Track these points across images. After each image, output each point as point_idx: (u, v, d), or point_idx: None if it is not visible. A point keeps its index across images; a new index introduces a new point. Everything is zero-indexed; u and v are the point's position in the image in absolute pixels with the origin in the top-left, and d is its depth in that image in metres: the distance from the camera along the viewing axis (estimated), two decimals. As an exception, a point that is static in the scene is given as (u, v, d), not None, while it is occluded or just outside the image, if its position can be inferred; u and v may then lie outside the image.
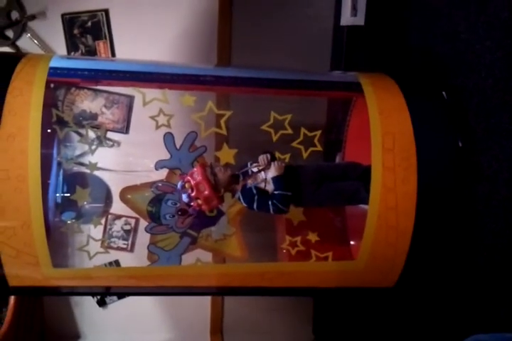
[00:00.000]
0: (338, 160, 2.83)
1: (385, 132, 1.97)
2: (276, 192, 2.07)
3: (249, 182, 2.15)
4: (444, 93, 2.12)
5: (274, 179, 2.10)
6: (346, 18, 2.93)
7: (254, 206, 2.09)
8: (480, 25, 1.94)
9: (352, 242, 2.60)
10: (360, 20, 2.90)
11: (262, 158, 2.14)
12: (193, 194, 2.06)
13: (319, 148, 2.28)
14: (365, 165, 2.14)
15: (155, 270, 2.19)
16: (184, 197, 2.11)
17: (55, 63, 2.09)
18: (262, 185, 2.13)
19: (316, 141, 2.28)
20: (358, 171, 2.18)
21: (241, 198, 2.13)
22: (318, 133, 2.28)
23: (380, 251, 1.97)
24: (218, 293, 2.79)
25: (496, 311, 1.83)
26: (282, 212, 2.13)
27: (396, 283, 2.08)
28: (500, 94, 1.79)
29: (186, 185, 2.07)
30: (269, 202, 2.06)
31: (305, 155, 2.28)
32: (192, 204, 2.10)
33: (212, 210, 2.25)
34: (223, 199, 2.16)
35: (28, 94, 1.86)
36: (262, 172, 2.13)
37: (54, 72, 2.05)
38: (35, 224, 1.80)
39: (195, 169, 2.11)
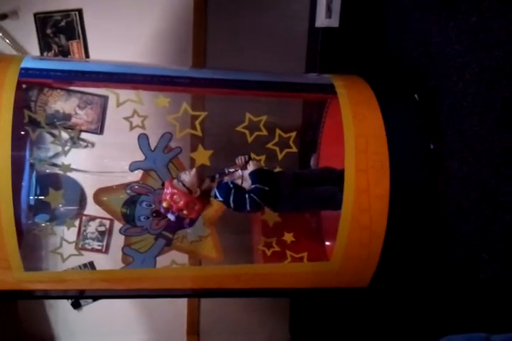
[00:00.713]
0: (313, 161, 2.85)
1: (358, 134, 1.99)
2: (253, 186, 2.03)
3: (226, 179, 2.13)
4: (416, 96, 2.16)
5: (252, 173, 2.06)
6: (321, 20, 2.94)
7: (231, 200, 2.03)
8: (450, 29, 1.96)
9: (327, 243, 2.62)
10: (334, 22, 2.92)
11: (239, 158, 2.13)
12: (174, 209, 2.06)
13: (294, 149, 2.31)
14: (340, 169, 2.15)
15: (129, 273, 2.19)
16: (172, 217, 2.09)
17: (26, 64, 2.07)
18: (239, 182, 2.11)
19: (291, 142, 2.31)
20: (334, 176, 2.20)
21: (217, 193, 2.08)
22: (293, 134, 2.30)
23: (353, 252, 1.99)
24: (194, 295, 2.79)
25: (468, 310, 1.86)
26: (259, 207, 2.07)
27: (370, 283, 2.11)
28: (471, 98, 1.82)
29: (164, 204, 2.06)
30: (246, 196, 2.02)
31: (280, 156, 2.30)
32: (183, 218, 2.10)
33: (200, 214, 2.19)
34: (208, 200, 2.15)
35: (-2, 96, 1.84)
36: (239, 170, 2.12)
37: (26, 72, 2.03)
38: (5, 227, 1.78)
39: (164, 189, 2.10)
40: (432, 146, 2.03)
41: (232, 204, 2.05)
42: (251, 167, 2.10)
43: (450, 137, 1.95)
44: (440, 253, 2.04)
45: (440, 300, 2.04)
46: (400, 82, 2.31)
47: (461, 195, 1.88)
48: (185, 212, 2.06)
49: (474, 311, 1.82)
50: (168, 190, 2.05)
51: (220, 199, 2.08)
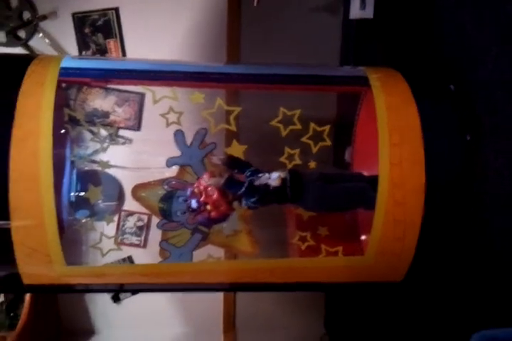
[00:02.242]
0: (347, 154, 2.83)
1: (393, 127, 1.97)
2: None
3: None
4: (451, 86, 2.12)
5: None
6: (355, 12, 2.91)
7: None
8: (485, 19, 1.93)
9: (363, 237, 2.61)
10: (369, 13, 2.89)
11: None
12: (201, 198, 2.09)
13: (328, 142, 2.29)
14: (371, 175, 2.17)
15: (166, 267, 2.22)
16: (193, 203, 2.13)
17: (65, 63, 2.11)
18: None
19: (325, 135, 2.29)
20: (364, 179, 2.19)
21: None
22: (328, 127, 2.28)
23: (388, 246, 1.98)
24: (229, 289, 2.81)
25: (504, 306, 1.84)
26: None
27: (404, 278, 2.09)
28: (507, 87, 1.78)
29: (195, 190, 2.10)
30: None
31: (314, 149, 2.29)
32: (201, 210, 2.14)
33: (220, 218, 2.26)
34: (233, 207, 2.20)
35: (39, 95, 1.89)
36: (266, 174, 2.14)
37: (65, 72, 2.08)
38: (48, 223, 1.83)
39: (204, 175, 2.14)
40: (468, 138, 2.00)
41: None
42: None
43: (486, 128, 1.92)
44: (476, 246, 2.01)
45: (475, 295, 2.01)
46: (435, 73, 2.27)
47: (497, 187, 1.84)
48: (208, 207, 2.10)
49: (509, 306, 1.79)
50: (207, 181, 2.09)
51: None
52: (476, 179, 1.96)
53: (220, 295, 3.53)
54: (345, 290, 2.63)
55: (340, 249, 2.21)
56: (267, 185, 2.10)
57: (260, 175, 2.15)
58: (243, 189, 2.08)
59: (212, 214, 2.14)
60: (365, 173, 2.35)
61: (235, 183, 2.12)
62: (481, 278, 1.98)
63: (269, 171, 2.15)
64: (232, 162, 2.22)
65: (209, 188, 2.09)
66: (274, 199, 2.11)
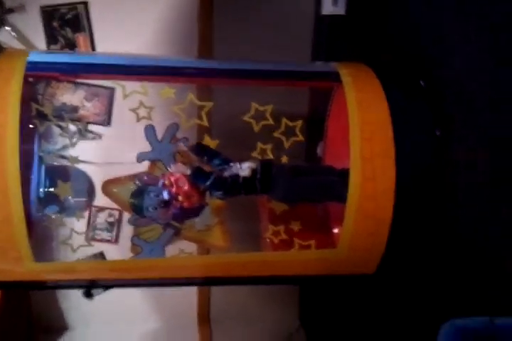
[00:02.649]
0: (319, 149, 2.85)
1: (363, 122, 1.99)
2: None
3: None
4: (422, 82, 2.14)
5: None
6: (327, 8, 2.93)
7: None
8: (456, 17, 1.95)
9: (335, 230, 2.63)
10: (340, 9, 2.91)
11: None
12: (173, 190, 2.09)
13: (301, 138, 2.31)
14: (341, 168, 2.18)
15: (138, 262, 2.21)
16: (165, 195, 2.13)
17: (33, 57, 2.08)
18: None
19: (297, 130, 2.30)
20: (334, 172, 2.20)
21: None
22: (300, 123, 2.30)
23: (359, 240, 2.00)
24: (202, 283, 2.81)
25: (473, 296, 1.87)
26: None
27: (376, 270, 2.12)
28: (476, 85, 1.81)
29: (166, 182, 2.10)
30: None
31: (287, 144, 2.30)
32: (173, 201, 2.14)
33: (193, 209, 2.25)
34: (204, 198, 2.19)
35: (5, 90, 1.86)
36: (237, 164, 2.15)
37: (33, 66, 2.04)
38: (16, 219, 1.81)
39: (173, 166, 2.14)
40: (438, 133, 2.03)
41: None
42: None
43: (456, 123, 1.94)
44: (445, 239, 2.04)
45: (444, 286, 2.05)
46: (405, 69, 2.29)
47: (466, 181, 1.87)
48: (180, 198, 2.09)
49: (478, 296, 1.83)
50: (178, 172, 2.09)
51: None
52: (446, 173, 1.98)
53: (194, 289, 3.53)
54: (318, 283, 2.65)
55: (313, 242, 2.23)
56: (236, 176, 2.10)
57: (231, 164, 2.15)
58: (209, 181, 2.08)
59: (185, 204, 2.14)
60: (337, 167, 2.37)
61: (202, 175, 2.12)
62: (450, 269, 2.01)
63: (240, 161, 2.15)
64: (199, 149, 2.22)
65: (180, 180, 2.08)
66: (241, 190, 2.11)
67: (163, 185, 2.13)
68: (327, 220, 2.66)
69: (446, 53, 2.04)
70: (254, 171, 2.10)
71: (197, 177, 2.11)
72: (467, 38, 1.87)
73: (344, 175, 1.98)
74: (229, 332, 3.68)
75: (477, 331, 1.38)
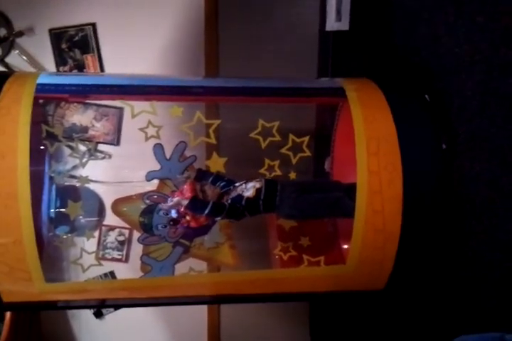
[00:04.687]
0: (327, 164, 2.86)
1: (370, 137, 1.99)
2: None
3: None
4: (426, 96, 2.15)
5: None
6: (331, 24, 2.95)
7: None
8: (458, 29, 1.97)
9: (345, 246, 2.62)
10: (344, 25, 2.93)
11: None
12: (181, 210, 2.09)
13: (308, 153, 2.32)
14: (348, 183, 2.17)
15: (148, 281, 2.21)
16: (173, 213, 2.14)
17: (42, 79, 2.11)
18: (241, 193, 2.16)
19: (304, 146, 2.32)
20: (341, 187, 2.21)
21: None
22: (307, 138, 2.31)
23: (368, 255, 1.99)
24: (212, 301, 2.81)
25: (483, 311, 1.86)
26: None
27: (386, 285, 2.10)
28: (479, 97, 1.82)
29: (175, 200, 2.11)
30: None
31: (294, 160, 2.31)
32: (182, 219, 2.15)
33: (201, 228, 2.26)
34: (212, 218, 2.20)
35: (15, 112, 1.89)
36: (243, 184, 2.15)
37: (42, 88, 2.08)
38: (26, 240, 1.81)
39: (185, 186, 2.14)
40: (443, 146, 2.03)
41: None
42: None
43: (461, 136, 1.95)
44: (455, 253, 2.03)
45: (455, 301, 2.03)
46: (410, 83, 2.31)
47: (474, 194, 1.87)
48: (188, 217, 2.10)
49: (489, 311, 1.82)
50: (187, 193, 2.10)
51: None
52: (453, 187, 1.98)
53: (204, 308, 3.51)
54: (328, 299, 2.63)
55: (322, 258, 2.22)
56: (239, 198, 2.10)
57: (237, 184, 2.16)
58: (207, 210, 2.08)
59: (192, 224, 2.14)
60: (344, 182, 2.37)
61: (199, 204, 2.11)
62: (461, 283, 2.00)
63: (246, 181, 2.16)
64: (201, 175, 2.24)
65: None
66: (245, 212, 2.11)
67: (172, 205, 2.13)
68: (336, 236, 2.65)
69: (449, 65, 2.05)
70: (258, 191, 2.10)
71: (193, 208, 2.11)
72: (470, 52, 1.88)
73: (351, 189, 1.98)
74: (240, 350, 3.67)
75: (489, 346, 1.37)
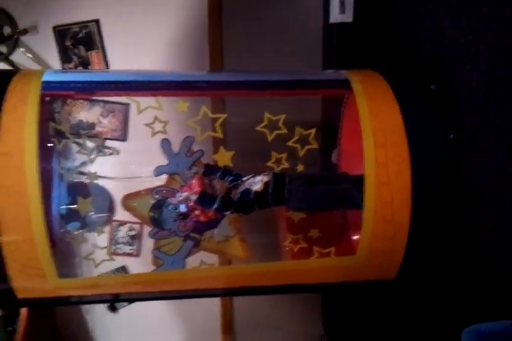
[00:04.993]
0: (334, 156, 2.86)
1: (376, 128, 1.99)
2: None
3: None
4: (432, 86, 2.15)
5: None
6: (335, 16, 2.95)
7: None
8: (462, 20, 1.96)
9: (354, 237, 2.63)
10: (348, 17, 2.92)
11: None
12: (190, 204, 2.11)
13: (315, 145, 2.33)
14: (355, 174, 2.18)
15: (159, 275, 2.23)
16: (182, 207, 2.15)
17: (47, 77, 2.12)
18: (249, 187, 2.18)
19: (311, 138, 2.32)
20: (349, 179, 2.21)
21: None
22: (313, 131, 2.32)
23: (378, 246, 2.00)
24: (223, 294, 2.82)
25: (493, 299, 1.86)
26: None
27: (397, 276, 2.11)
28: (485, 88, 1.82)
29: (184, 195, 2.13)
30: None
31: (301, 153, 2.32)
32: (191, 213, 2.16)
33: (210, 222, 2.29)
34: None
35: (22, 110, 1.90)
36: (251, 178, 2.17)
37: (47, 85, 2.09)
38: (37, 237, 1.83)
39: (193, 181, 2.16)
40: (451, 136, 2.03)
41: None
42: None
43: (467, 127, 1.95)
44: (464, 243, 2.04)
45: (465, 291, 2.04)
46: (415, 74, 2.30)
47: (481, 184, 1.87)
48: (197, 212, 2.12)
49: (499, 300, 1.82)
50: (196, 188, 2.12)
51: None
52: (460, 177, 1.98)
53: (217, 300, 3.53)
54: (339, 290, 2.65)
55: (333, 249, 2.23)
56: (247, 192, 2.11)
57: (244, 179, 2.17)
58: (216, 205, 2.10)
59: (201, 218, 2.16)
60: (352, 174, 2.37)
61: (208, 199, 2.14)
62: (471, 273, 2.01)
63: (253, 175, 2.17)
64: (209, 170, 2.26)
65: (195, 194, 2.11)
66: (254, 206, 2.13)
67: (181, 199, 2.15)
68: (346, 227, 2.66)
69: (454, 56, 2.05)
70: (266, 184, 2.11)
71: (202, 203, 2.14)
72: (475, 42, 1.87)
73: (359, 181, 1.99)
74: (253, 341, 3.70)
75: (500, 335, 1.38)
